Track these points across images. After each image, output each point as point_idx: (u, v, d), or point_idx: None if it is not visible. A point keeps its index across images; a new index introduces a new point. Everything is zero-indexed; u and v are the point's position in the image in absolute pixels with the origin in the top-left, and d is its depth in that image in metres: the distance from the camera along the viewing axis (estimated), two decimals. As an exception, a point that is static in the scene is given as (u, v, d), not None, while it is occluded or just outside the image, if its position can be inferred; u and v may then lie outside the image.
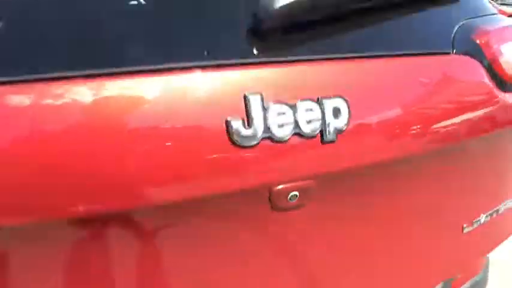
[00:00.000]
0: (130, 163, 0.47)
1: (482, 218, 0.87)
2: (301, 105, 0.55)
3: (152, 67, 0.50)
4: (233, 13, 0.57)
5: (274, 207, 0.58)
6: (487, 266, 0.98)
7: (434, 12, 0.74)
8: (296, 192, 0.58)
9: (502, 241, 0.95)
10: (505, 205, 0.92)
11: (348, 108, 0.58)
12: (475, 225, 0.86)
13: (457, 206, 0.82)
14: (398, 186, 0.71)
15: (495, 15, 0.87)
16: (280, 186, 0.57)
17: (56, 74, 0.45)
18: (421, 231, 0.78)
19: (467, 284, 0.89)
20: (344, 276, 0.71)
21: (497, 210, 0.90)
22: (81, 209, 0.44)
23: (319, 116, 0.56)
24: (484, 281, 0.97)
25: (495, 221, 0.90)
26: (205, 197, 0.52)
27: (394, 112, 0.63)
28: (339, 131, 0.57)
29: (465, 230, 0.84)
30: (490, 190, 0.88)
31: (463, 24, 0.76)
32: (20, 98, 0.43)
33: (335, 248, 0.68)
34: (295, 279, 0.67)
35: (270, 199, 0.58)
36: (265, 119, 0.52)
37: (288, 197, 0.58)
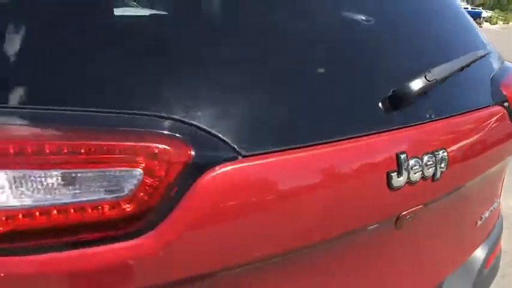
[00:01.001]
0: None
1: (486, 213, 1.19)
2: (425, 158, 0.78)
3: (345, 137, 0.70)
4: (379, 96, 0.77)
5: (397, 227, 0.82)
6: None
7: (479, 71, 1.01)
8: (412, 215, 0.82)
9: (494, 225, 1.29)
10: (497, 203, 1.26)
11: (448, 155, 0.82)
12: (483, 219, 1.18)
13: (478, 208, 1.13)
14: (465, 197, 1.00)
15: (506, 63, 1.17)
16: (405, 212, 0.80)
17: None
18: (464, 225, 1.08)
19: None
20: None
21: (494, 207, 1.23)
22: None
23: (434, 163, 0.79)
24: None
25: (491, 214, 1.23)
26: (368, 224, 0.75)
27: (467, 152, 0.89)
28: (442, 171, 0.82)
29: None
30: (492, 195, 1.21)
31: (492, 78, 1.04)
32: None
33: (432, 244, 0.96)
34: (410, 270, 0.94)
35: (396, 222, 0.81)
36: (408, 170, 0.75)
37: (407, 218, 0.82)
